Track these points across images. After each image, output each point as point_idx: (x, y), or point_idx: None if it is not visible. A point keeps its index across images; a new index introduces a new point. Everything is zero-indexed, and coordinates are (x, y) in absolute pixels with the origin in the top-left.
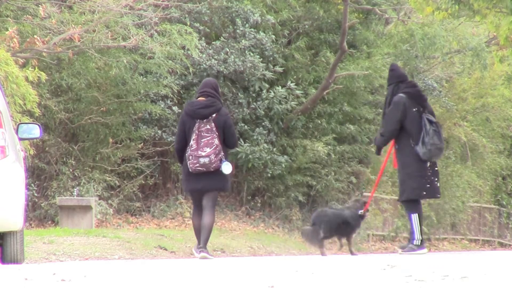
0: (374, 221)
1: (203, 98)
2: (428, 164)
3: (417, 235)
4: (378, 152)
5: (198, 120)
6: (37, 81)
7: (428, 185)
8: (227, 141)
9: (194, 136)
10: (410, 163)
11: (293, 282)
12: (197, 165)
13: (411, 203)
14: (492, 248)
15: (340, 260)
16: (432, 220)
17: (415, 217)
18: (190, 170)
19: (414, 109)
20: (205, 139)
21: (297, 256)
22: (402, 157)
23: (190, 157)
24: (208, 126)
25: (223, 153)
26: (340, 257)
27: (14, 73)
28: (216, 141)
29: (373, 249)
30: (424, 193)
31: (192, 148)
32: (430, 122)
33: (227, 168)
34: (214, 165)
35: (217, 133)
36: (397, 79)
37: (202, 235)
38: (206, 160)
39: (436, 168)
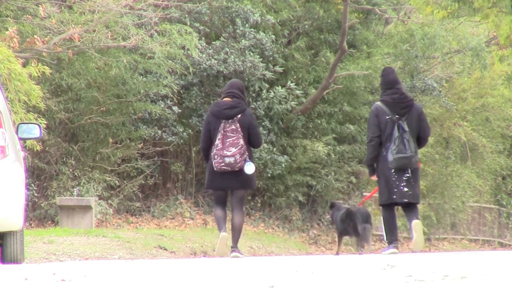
0: (374, 221)
1: (229, 99)
2: (393, 170)
3: (384, 236)
4: (370, 171)
5: (224, 120)
6: (40, 78)
7: (395, 190)
8: (252, 141)
9: (219, 136)
10: (380, 169)
11: (293, 282)
12: (223, 164)
13: (383, 207)
14: (492, 248)
15: (340, 260)
16: (432, 220)
17: (382, 219)
18: (215, 169)
19: (387, 117)
20: (231, 139)
21: (297, 256)
22: (377, 164)
23: (216, 157)
24: (233, 126)
25: (247, 153)
26: (340, 257)
27: (17, 70)
28: (241, 141)
29: (373, 249)
30: (394, 197)
31: (217, 148)
32: (401, 129)
33: (250, 168)
34: (239, 164)
35: (242, 133)
36: (384, 85)
37: (232, 236)
38: (232, 159)
39: (408, 175)
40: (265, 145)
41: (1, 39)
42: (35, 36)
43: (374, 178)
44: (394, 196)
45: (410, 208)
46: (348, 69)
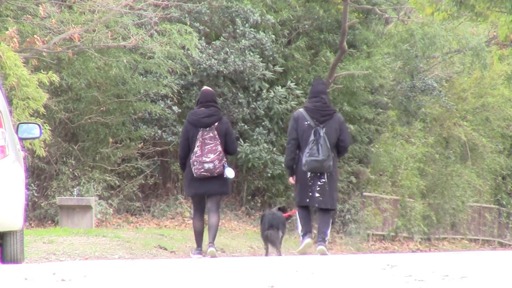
0: (374, 221)
1: (204, 108)
2: (309, 174)
3: (299, 230)
4: (289, 172)
5: (202, 128)
6: (49, 84)
7: (310, 194)
8: (228, 147)
9: (198, 143)
10: (298, 172)
11: (293, 282)
12: (202, 170)
13: (298, 206)
14: (492, 248)
15: (340, 260)
16: (432, 220)
17: (298, 215)
18: (194, 175)
19: (306, 122)
20: (209, 146)
21: (297, 256)
22: (296, 167)
23: (195, 163)
24: (211, 134)
25: (225, 159)
26: (340, 257)
27: (25, 76)
28: (219, 148)
29: (373, 249)
30: (307, 200)
31: (196, 155)
32: (317, 135)
33: (231, 173)
34: (217, 170)
35: (219, 140)
36: (310, 94)
37: (210, 233)
38: (211, 165)
39: (323, 180)
40: (265, 145)
41: (1, 39)
42: (35, 36)
43: (292, 180)
44: (307, 200)
45: (323, 212)
46: (348, 69)
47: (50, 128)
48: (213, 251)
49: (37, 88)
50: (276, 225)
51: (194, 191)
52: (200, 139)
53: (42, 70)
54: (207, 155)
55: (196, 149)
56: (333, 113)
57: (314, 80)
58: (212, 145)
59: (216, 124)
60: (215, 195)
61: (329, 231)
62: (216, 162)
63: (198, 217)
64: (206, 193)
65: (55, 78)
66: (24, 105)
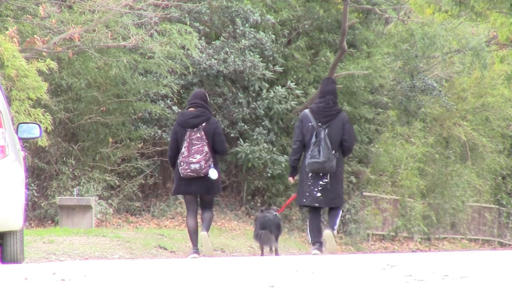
0: (374, 221)
1: (193, 109)
2: (310, 175)
3: (309, 237)
4: (291, 171)
5: (189, 129)
6: (42, 76)
7: (307, 194)
8: (217, 147)
9: (185, 144)
10: (300, 173)
11: (293, 282)
12: (188, 170)
13: (308, 210)
14: (492, 248)
15: (340, 260)
16: (432, 219)
17: (308, 221)
18: (181, 175)
19: (310, 123)
20: (196, 146)
21: (297, 256)
22: (300, 166)
23: (182, 163)
24: (198, 135)
25: (212, 160)
26: (340, 257)
27: (24, 66)
28: (206, 149)
29: (373, 248)
30: (304, 200)
31: (183, 155)
32: (319, 136)
33: (213, 173)
34: (204, 170)
35: (206, 141)
36: (318, 94)
37: (203, 224)
38: (197, 166)
39: (325, 181)
40: (265, 144)
41: (1, 38)
42: (35, 36)
43: (291, 180)
44: (304, 200)
45: (330, 211)
46: (348, 68)
47: (51, 117)
48: (205, 234)
49: (37, 77)
50: (268, 227)
51: (182, 190)
52: (188, 139)
53: (40, 59)
54: (194, 156)
55: (183, 149)
56: (337, 113)
57: (323, 79)
58: (199, 145)
59: (204, 124)
60: (204, 195)
61: (338, 222)
62: (203, 162)
63: (191, 217)
64: (194, 193)
65: (54, 65)
66: (23, 96)
